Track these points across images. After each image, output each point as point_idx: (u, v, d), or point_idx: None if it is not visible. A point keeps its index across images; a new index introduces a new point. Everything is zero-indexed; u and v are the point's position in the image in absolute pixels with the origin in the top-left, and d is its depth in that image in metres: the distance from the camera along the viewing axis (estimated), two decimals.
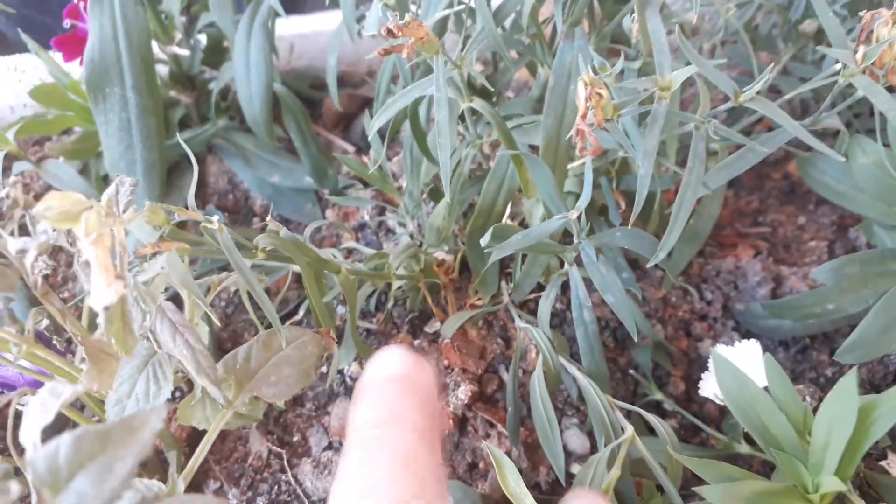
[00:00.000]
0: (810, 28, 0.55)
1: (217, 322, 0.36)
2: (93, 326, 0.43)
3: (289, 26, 0.90)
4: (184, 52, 0.62)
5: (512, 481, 0.40)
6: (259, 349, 0.36)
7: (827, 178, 0.49)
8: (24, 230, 0.34)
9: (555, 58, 0.45)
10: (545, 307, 0.51)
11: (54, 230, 0.30)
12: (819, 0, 0.37)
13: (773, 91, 0.61)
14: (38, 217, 0.28)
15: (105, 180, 0.71)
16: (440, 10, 0.43)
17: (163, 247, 0.36)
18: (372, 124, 0.46)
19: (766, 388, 0.41)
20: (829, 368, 0.59)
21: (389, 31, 0.34)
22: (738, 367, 0.40)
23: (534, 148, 0.51)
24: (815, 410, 0.54)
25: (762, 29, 0.58)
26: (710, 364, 0.51)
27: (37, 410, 0.25)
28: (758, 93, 0.38)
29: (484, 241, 0.42)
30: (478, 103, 0.47)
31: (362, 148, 0.79)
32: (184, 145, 0.40)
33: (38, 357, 0.35)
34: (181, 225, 0.72)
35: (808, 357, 0.59)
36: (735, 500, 0.33)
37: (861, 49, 0.39)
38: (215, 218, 0.39)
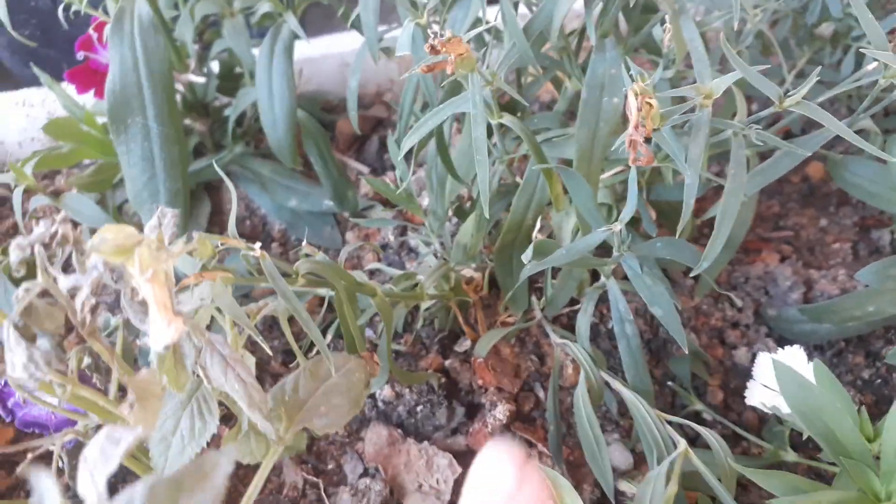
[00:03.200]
0: (826, 31, 0.55)
1: (269, 351, 0.35)
2: (129, 362, 0.42)
3: (297, 51, 0.90)
4: (199, 79, 0.62)
5: (569, 500, 0.39)
6: (307, 378, 0.35)
7: (860, 180, 0.48)
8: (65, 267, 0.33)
9: (586, 70, 0.44)
10: (584, 322, 0.50)
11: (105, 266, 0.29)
12: (859, 3, 0.37)
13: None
14: (92, 250, 0.27)
15: (120, 210, 0.70)
16: (468, 29, 0.42)
17: (206, 277, 0.36)
18: (402, 146, 0.45)
19: None
20: (865, 371, 0.58)
21: (433, 48, 0.34)
22: (801, 374, 0.39)
23: (564, 162, 0.50)
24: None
25: (777, 33, 0.58)
26: (755, 372, 0.50)
27: (97, 459, 0.24)
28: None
29: (526, 257, 0.42)
30: (507, 119, 0.46)
31: (377, 169, 0.78)
32: (218, 170, 0.39)
33: (82, 398, 0.34)
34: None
35: (843, 360, 0.58)
36: None
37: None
38: (257, 245, 0.38)
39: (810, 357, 0.59)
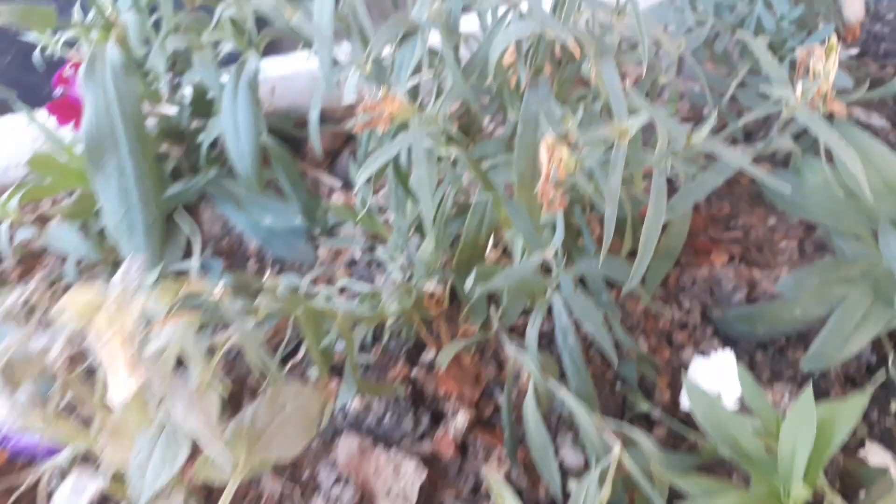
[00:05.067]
0: (763, 43, 0.59)
1: (223, 395, 0.39)
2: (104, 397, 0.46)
3: (270, 68, 0.92)
4: (170, 111, 0.65)
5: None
6: (264, 409, 0.39)
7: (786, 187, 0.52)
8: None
9: (521, 106, 0.48)
10: (532, 334, 0.54)
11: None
12: (758, 45, 0.40)
13: (734, 103, 0.64)
14: (57, 314, 0.31)
15: (101, 234, 0.74)
16: (410, 76, 0.45)
17: (173, 320, 0.39)
18: (359, 177, 0.49)
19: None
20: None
21: (366, 109, 0.37)
22: (706, 388, 0.43)
23: (510, 185, 0.54)
24: None
25: (718, 46, 0.61)
26: (690, 376, 0.54)
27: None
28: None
29: (468, 285, 0.45)
30: (453, 149, 0.50)
31: (349, 182, 0.81)
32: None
33: (66, 432, 0.38)
34: (180, 278, 0.75)
35: (785, 357, 0.62)
36: None
37: (799, 84, 0.42)
38: (221, 285, 0.41)
39: (753, 355, 0.63)
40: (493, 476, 0.44)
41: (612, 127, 0.41)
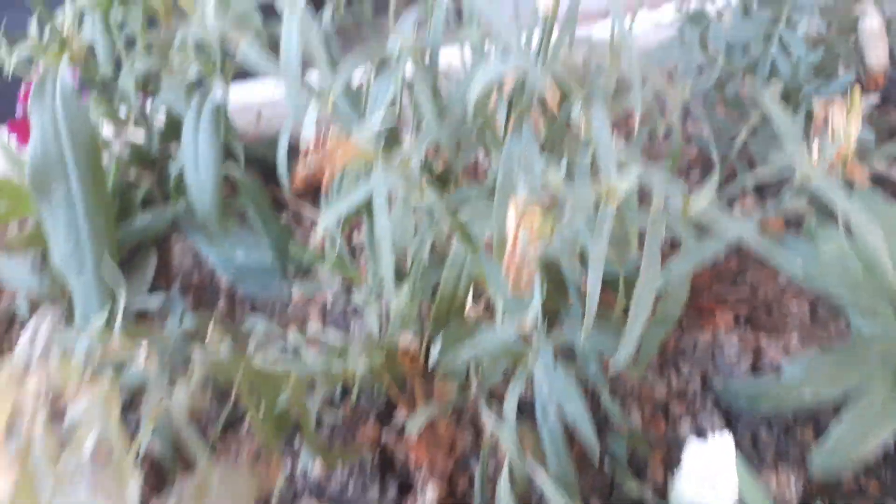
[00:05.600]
0: (776, 90, 0.54)
1: (138, 487, 0.34)
2: None
3: (256, 91, 0.89)
4: (136, 138, 0.61)
5: None
6: (191, 494, 0.34)
7: (793, 257, 0.47)
8: None
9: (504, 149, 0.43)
10: (510, 406, 0.48)
11: None
12: (770, 98, 0.35)
13: (743, 154, 0.59)
14: None
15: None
16: (381, 114, 0.41)
17: (88, 391, 0.34)
18: (321, 222, 0.44)
19: None
20: (815, 446, 0.56)
21: (308, 152, 0.33)
22: (702, 476, 0.38)
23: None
24: (800, 501, 0.52)
25: (729, 88, 0.56)
26: (684, 462, 0.48)
27: None
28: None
29: (433, 356, 0.40)
30: (430, 198, 0.45)
31: None
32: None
33: None
34: (142, 316, 0.70)
35: (792, 436, 0.56)
36: None
37: (816, 143, 0.37)
38: (141, 352, 0.36)
39: (756, 432, 0.57)
40: None
41: (598, 185, 0.36)
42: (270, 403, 0.44)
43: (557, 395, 0.41)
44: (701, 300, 0.66)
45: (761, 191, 0.68)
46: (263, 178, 0.79)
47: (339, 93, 0.41)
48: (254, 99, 0.86)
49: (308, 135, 0.41)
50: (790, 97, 0.55)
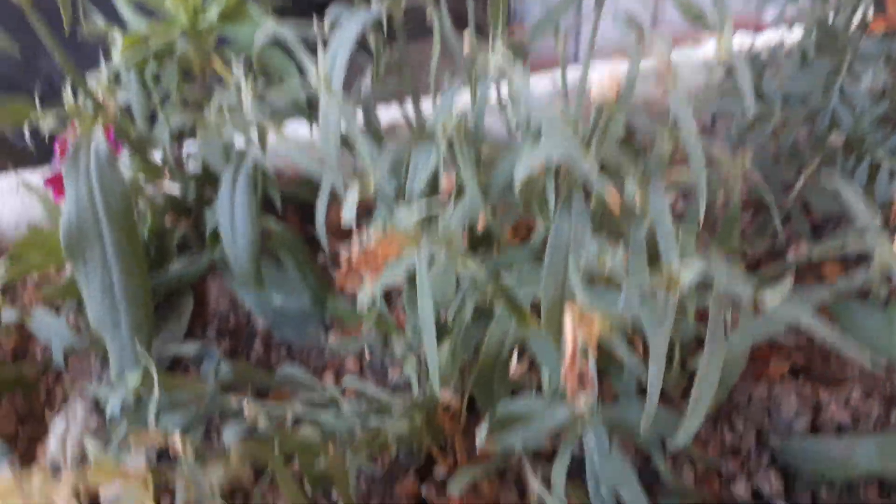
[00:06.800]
0: (837, 141, 0.50)
1: None
2: None
3: (291, 132, 0.87)
4: (173, 190, 0.60)
5: None
6: None
7: (866, 329, 0.44)
8: None
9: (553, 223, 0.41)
10: (559, 472, 0.47)
11: None
12: (844, 186, 0.32)
13: (804, 206, 0.56)
14: None
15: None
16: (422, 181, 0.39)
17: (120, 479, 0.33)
18: (360, 299, 0.43)
19: None
20: None
21: (351, 261, 0.31)
22: None
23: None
24: None
25: (784, 138, 0.53)
26: None
27: None
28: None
29: (480, 441, 0.38)
30: (473, 268, 0.43)
31: None
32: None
33: None
34: (174, 365, 0.70)
35: (854, 495, 0.54)
36: None
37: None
38: (178, 437, 0.35)
39: (817, 491, 0.54)
40: None
41: (659, 273, 0.34)
42: (309, 470, 0.43)
43: (611, 480, 0.39)
44: (753, 349, 0.63)
45: (818, 232, 0.65)
46: (301, 217, 0.78)
47: (384, 170, 0.40)
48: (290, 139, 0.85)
49: (349, 216, 0.39)
50: (852, 149, 0.52)
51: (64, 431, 0.33)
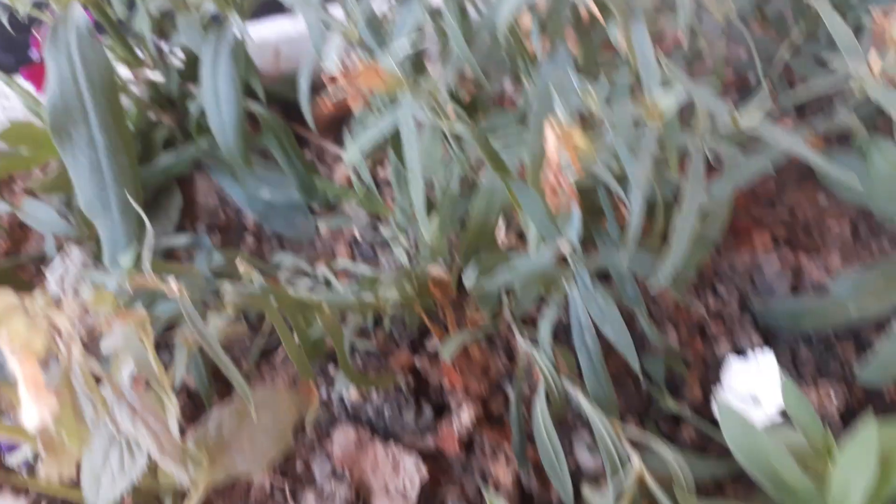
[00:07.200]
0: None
1: (177, 413, 0.34)
2: None
3: (274, 29, 0.86)
4: (156, 76, 0.59)
5: None
6: (231, 417, 0.35)
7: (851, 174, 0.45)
8: None
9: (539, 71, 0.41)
10: (545, 328, 0.48)
11: None
12: (829, 14, 0.33)
13: (787, 73, 0.56)
14: None
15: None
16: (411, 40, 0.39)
17: (120, 321, 0.34)
18: (346, 154, 0.43)
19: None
20: (857, 362, 0.55)
21: (333, 80, 0.31)
22: (743, 393, 0.38)
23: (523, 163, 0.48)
24: (841, 414, 0.51)
25: (771, 7, 0.53)
26: (724, 378, 0.48)
27: None
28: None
29: (468, 283, 0.40)
30: (460, 127, 0.44)
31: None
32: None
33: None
34: (170, 254, 0.70)
35: (833, 352, 0.56)
36: None
37: (873, 54, 0.35)
38: (172, 282, 0.36)
39: (796, 349, 0.57)
40: (494, 497, 0.39)
41: (642, 105, 0.34)
42: (304, 331, 0.44)
43: (596, 316, 0.41)
44: (737, 222, 0.64)
45: (802, 111, 0.65)
46: (285, 116, 0.78)
47: (362, 23, 0.39)
48: (272, 36, 0.84)
49: (330, 65, 0.39)
50: (840, 10, 0.52)
51: (62, 272, 0.33)
